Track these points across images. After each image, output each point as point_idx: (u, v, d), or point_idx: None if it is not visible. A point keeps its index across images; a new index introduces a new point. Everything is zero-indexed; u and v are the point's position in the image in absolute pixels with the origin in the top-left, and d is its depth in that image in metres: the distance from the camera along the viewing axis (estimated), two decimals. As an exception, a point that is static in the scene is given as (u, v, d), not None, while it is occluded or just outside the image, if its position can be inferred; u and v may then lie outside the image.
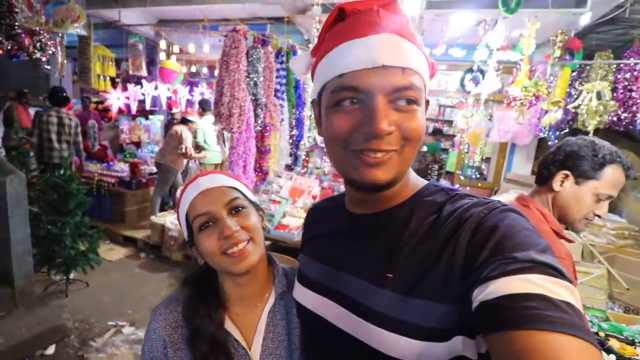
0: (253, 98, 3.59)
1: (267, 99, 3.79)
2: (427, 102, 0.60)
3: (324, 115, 0.58)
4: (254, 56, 3.54)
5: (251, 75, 3.54)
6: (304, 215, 3.64)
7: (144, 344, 0.75)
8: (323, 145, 4.90)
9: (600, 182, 1.07)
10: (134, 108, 6.21)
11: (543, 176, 1.18)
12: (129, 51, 5.67)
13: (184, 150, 4.37)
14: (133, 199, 4.92)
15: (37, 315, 2.67)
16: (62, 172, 3.05)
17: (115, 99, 6.22)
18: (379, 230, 0.60)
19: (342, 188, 0.94)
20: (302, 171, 4.30)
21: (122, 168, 5.48)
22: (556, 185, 1.13)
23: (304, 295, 0.71)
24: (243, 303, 0.76)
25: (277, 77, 4.04)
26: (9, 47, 2.92)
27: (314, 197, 3.86)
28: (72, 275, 3.23)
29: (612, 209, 4.20)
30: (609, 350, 1.26)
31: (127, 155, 6.07)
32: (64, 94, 4.08)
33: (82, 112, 6.38)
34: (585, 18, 3.15)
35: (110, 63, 5.20)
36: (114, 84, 5.90)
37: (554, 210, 1.16)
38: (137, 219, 4.94)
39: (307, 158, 4.39)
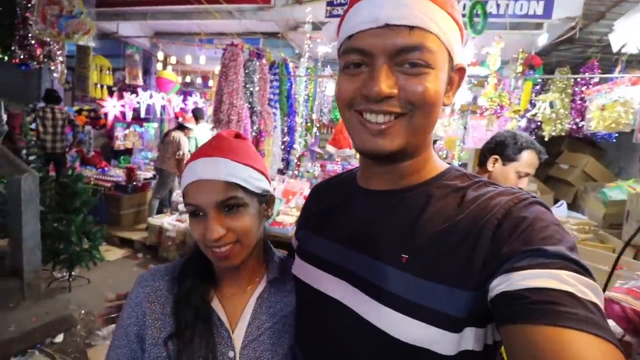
0: (249, 106, 3.89)
1: (262, 107, 4.10)
2: (461, 69, 0.55)
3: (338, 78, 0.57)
4: (250, 68, 3.85)
5: (247, 85, 3.85)
6: (297, 213, 3.92)
7: (124, 308, 0.71)
8: (314, 149, 5.21)
9: (519, 162, 1.44)
10: (129, 116, 6.40)
11: (481, 160, 1.56)
12: (126, 61, 5.89)
13: (181, 156, 4.62)
14: (129, 202, 5.08)
15: (45, 307, 2.82)
16: (69, 172, 3.24)
17: (112, 107, 6.41)
18: (395, 209, 0.57)
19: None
20: (295, 173, 4.58)
21: (117, 173, 5.64)
22: (490, 166, 1.50)
23: (305, 271, 0.68)
24: (232, 284, 0.74)
25: (270, 87, 4.35)
26: (21, 57, 3.13)
27: (305, 198, 4.14)
28: (74, 272, 3.38)
29: (575, 208, 4.62)
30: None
31: (122, 161, 6.23)
32: (57, 94, 4.84)
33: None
34: (542, 39, 3.61)
35: (108, 72, 5.41)
36: (110, 93, 6.09)
37: None
38: (133, 222, 5.10)
39: (298, 162, 4.69)
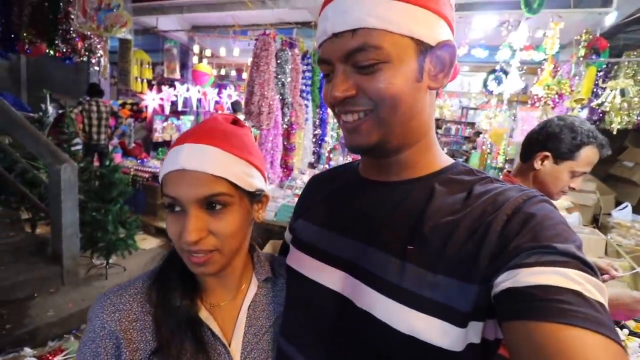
0: (281, 97, 3.78)
1: (294, 98, 3.98)
2: (446, 45, 0.52)
3: None
4: (282, 58, 3.75)
5: (279, 76, 3.74)
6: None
7: (82, 345, 0.57)
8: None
9: (576, 162, 1.16)
10: (167, 109, 6.59)
11: (526, 155, 1.26)
12: (164, 55, 6.04)
13: None
14: (165, 193, 5.22)
15: (82, 293, 2.93)
16: (107, 162, 3.34)
17: (151, 100, 6.63)
18: (399, 200, 0.56)
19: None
20: (326, 167, 4.44)
21: (155, 164, 5.82)
22: (537, 164, 1.21)
23: (300, 261, 0.65)
24: (220, 292, 0.66)
25: (302, 78, 4.23)
26: (64, 50, 3.24)
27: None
28: (111, 260, 3.50)
29: (642, 211, 4.09)
30: (623, 326, 1.32)
31: (160, 153, 6.43)
32: (99, 88, 4.97)
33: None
34: (610, 17, 3.14)
35: (148, 66, 5.57)
36: (149, 86, 6.30)
37: (534, 186, 1.23)
38: (168, 212, 5.24)
39: (329, 156, 4.55)
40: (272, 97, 3.56)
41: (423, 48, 0.50)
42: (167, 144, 7.12)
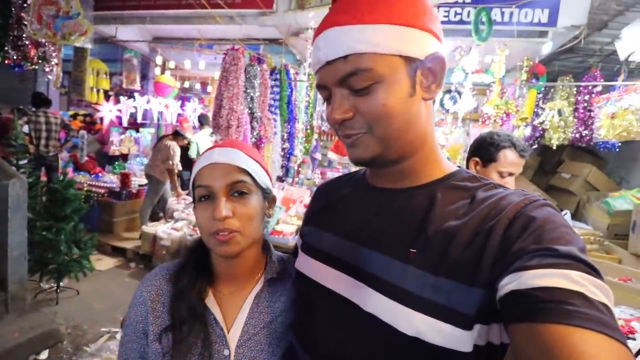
0: (249, 112, 3.80)
1: (262, 113, 4.01)
2: (435, 58, 0.54)
3: None
4: (251, 73, 3.78)
5: (248, 91, 3.76)
6: (297, 222, 3.80)
7: (130, 307, 0.74)
8: (315, 156, 5.12)
9: (498, 162, 1.38)
10: (125, 120, 6.28)
11: (467, 164, 1.51)
12: (124, 65, 5.80)
13: (171, 166, 4.43)
14: (122, 209, 4.92)
15: (30, 320, 2.65)
16: (59, 177, 3.11)
17: (107, 111, 6.29)
18: (403, 206, 0.58)
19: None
20: (295, 181, 4.48)
21: (110, 179, 5.50)
22: (472, 170, 1.44)
23: (308, 265, 0.68)
24: (230, 283, 0.75)
25: (271, 93, 4.28)
26: (14, 57, 3.02)
27: (306, 206, 4.04)
28: (62, 283, 3.22)
29: (578, 217, 4.57)
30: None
31: (116, 167, 6.08)
32: (46, 97, 4.77)
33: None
34: (547, 47, 3.59)
35: (105, 76, 5.31)
36: (106, 97, 5.98)
37: None
38: (125, 230, 4.93)
39: (298, 169, 4.59)
40: (241, 111, 3.56)
41: (413, 63, 0.53)
42: (124, 158, 6.75)
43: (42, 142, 4.59)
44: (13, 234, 2.63)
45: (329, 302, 0.61)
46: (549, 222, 0.46)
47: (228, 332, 0.70)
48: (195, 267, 0.74)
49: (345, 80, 0.53)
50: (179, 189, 4.76)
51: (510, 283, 0.42)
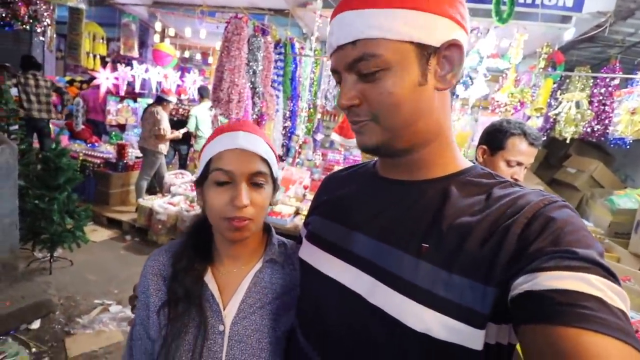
0: (251, 86, 3.63)
1: (265, 88, 3.84)
2: (452, 45, 0.52)
3: None
4: (254, 44, 3.58)
5: (250, 64, 3.58)
6: (296, 204, 3.73)
7: (139, 281, 0.78)
8: (316, 137, 4.99)
9: (506, 150, 1.32)
10: (123, 89, 6.08)
11: (475, 152, 1.45)
12: (121, 31, 5.54)
13: (158, 132, 4.26)
14: (118, 181, 4.84)
15: (22, 290, 2.62)
16: (52, 145, 3.00)
17: (104, 79, 6.06)
18: (416, 199, 0.57)
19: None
20: (296, 162, 4.37)
21: (107, 150, 5.37)
22: (479, 158, 1.40)
23: (313, 254, 0.67)
24: (230, 262, 0.76)
25: (274, 67, 4.09)
26: (3, 15, 2.83)
27: (305, 187, 3.95)
28: (56, 253, 3.18)
29: (581, 213, 4.52)
30: None
31: (113, 137, 5.94)
32: (35, 60, 4.53)
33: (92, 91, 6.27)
34: (569, 33, 3.39)
35: (101, 41, 5.08)
36: (103, 64, 5.75)
37: None
38: (121, 202, 4.87)
39: (299, 150, 4.47)
40: (242, 85, 3.40)
41: (425, 51, 0.51)
42: (121, 128, 6.59)
43: (34, 106, 4.45)
44: (3, 202, 2.56)
45: (333, 292, 0.60)
46: (569, 224, 0.44)
47: (224, 309, 0.71)
48: (195, 248, 0.75)
49: (353, 65, 0.53)
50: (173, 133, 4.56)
51: (526, 283, 0.41)
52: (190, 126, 4.78)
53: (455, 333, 0.46)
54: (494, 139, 1.35)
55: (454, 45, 0.52)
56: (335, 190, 0.73)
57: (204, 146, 0.75)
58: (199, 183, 0.74)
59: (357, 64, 0.52)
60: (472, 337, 0.46)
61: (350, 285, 0.57)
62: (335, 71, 0.58)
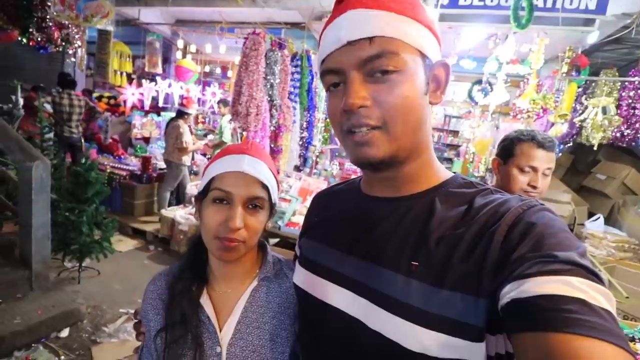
0: (269, 99, 3.71)
1: (282, 100, 3.91)
2: (443, 65, 0.56)
3: None
4: (272, 58, 3.67)
5: (268, 77, 3.67)
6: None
7: (141, 306, 0.80)
8: (332, 147, 5.01)
9: (516, 157, 1.31)
10: (147, 104, 6.34)
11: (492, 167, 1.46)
12: (146, 49, 5.81)
13: (182, 145, 4.38)
14: (143, 192, 5.01)
15: (52, 299, 2.74)
16: (82, 160, 3.15)
17: (130, 95, 6.36)
18: (401, 216, 0.56)
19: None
20: (314, 172, 4.39)
21: (133, 162, 5.59)
22: (494, 170, 1.41)
23: (306, 280, 0.66)
24: (225, 282, 0.76)
25: (291, 80, 4.16)
26: (39, 39, 3.04)
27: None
28: (84, 263, 3.31)
29: (612, 222, 4.29)
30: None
31: (138, 150, 6.18)
32: (72, 79, 4.76)
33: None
34: (593, 36, 3.28)
35: (128, 59, 5.34)
36: (129, 80, 6.03)
37: None
38: (145, 213, 5.03)
39: (317, 160, 4.50)
40: (260, 98, 3.48)
41: (428, 64, 0.53)
42: (145, 141, 6.85)
43: (66, 124, 4.68)
44: (37, 215, 2.70)
45: (332, 320, 0.59)
46: (548, 228, 0.45)
47: (220, 331, 0.72)
48: (192, 271, 0.76)
49: (367, 63, 0.50)
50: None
51: (512, 292, 0.41)
52: (226, 138, 4.85)
53: (452, 349, 0.46)
54: (504, 148, 1.37)
55: (444, 64, 0.56)
56: (325, 211, 0.72)
57: (209, 163, 0.76)
58: (199, 199, 0.75)
59: (373, 61, 0.50)
60: (470, 351, 0.46)
61: (348, 309, 0.57)
62: (335, 71, 0.53)
